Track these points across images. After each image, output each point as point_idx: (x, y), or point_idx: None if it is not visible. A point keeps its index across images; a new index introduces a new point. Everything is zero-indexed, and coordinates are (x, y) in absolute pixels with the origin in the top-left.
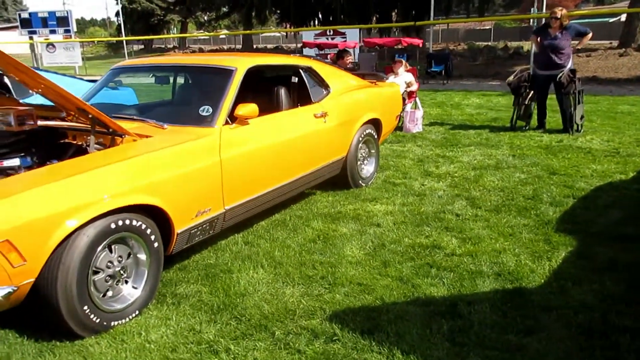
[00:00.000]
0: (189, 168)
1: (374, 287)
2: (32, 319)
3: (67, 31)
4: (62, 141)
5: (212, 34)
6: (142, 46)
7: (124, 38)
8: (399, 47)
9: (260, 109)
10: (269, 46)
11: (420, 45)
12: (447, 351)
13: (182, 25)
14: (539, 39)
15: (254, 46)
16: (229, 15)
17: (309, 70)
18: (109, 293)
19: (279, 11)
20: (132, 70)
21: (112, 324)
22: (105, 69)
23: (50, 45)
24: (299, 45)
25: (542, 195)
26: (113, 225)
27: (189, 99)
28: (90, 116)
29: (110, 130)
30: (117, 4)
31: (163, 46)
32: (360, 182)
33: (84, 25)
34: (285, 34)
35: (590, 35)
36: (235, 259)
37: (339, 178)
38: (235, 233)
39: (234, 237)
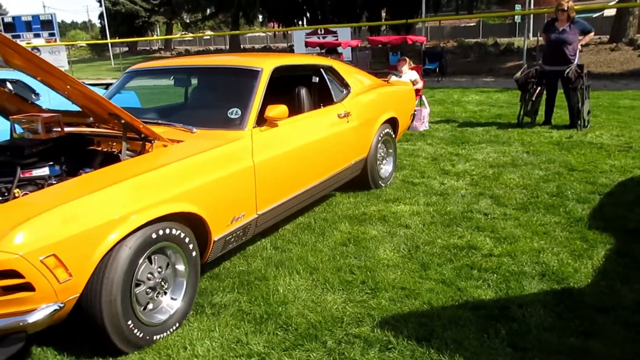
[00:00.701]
0: (224, 173)
1: (419, 291)
2: (72, 335)
3: (52, 34)
4: (89, 148)
5: (197, 34)
6: (127, 48)
7: (109, 41)
8: (392, 45)
9: None
10: (256, 46)
11: (425, 42)
12: (511, 357)
13: (167, 27)
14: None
15: (241, 46)
16: (215, 15)
17: (330, 70)
18: (150, 306)
19: (265, 11)
20: (148, 73)
21: (155, 337)
22: (92, 72)
23: (35, 49)
24: (289, 44)
25: (566, 192)
26: (154, 235)
27: (213, 102)
28: (123, 121)
29: (143, 135)
30: (101, 5)
31: (148, 48)
32: (380, 182)
33: (64, 28)
34: (273, 34)
35: (592, 33)
36: (268, 265)
37: (359, 178)
38: (262, 238)
39: (261, 243)
